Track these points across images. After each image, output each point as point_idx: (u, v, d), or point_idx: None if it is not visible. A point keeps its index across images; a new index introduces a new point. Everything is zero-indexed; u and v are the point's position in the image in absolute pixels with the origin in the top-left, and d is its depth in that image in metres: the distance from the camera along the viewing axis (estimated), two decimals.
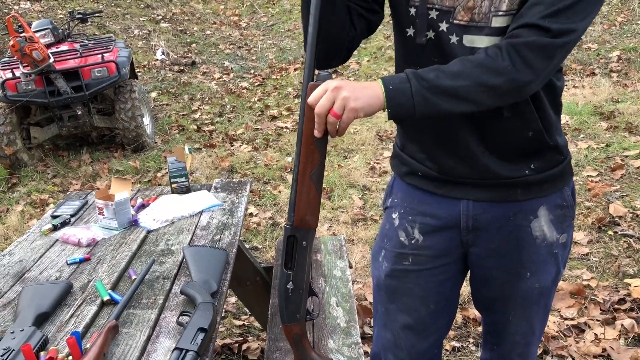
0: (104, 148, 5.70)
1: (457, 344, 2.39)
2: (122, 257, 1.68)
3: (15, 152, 5.09)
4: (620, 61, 6.00)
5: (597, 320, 2.41)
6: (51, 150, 5.63)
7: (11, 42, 4.55)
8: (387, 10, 1.26)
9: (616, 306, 2.50)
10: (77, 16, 5.90)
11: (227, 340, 2.58)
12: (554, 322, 2.40)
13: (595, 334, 2.32)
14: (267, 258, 3.28)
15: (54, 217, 2.03)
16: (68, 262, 1.66)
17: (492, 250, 1.27)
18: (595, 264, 2.84)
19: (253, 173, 4.65)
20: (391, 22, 1.27)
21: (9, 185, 4.95)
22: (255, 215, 3.85)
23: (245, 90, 7.19)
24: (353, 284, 2.34)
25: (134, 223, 1.92)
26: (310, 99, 1.05)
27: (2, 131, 5.01)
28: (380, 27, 1.36)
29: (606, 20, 6.97)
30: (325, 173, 1.19)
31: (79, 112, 5.11)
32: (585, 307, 2.51)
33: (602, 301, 2.53)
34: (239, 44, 9.22)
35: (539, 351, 2.24)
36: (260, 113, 6.35)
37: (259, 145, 5.32)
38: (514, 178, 1.20)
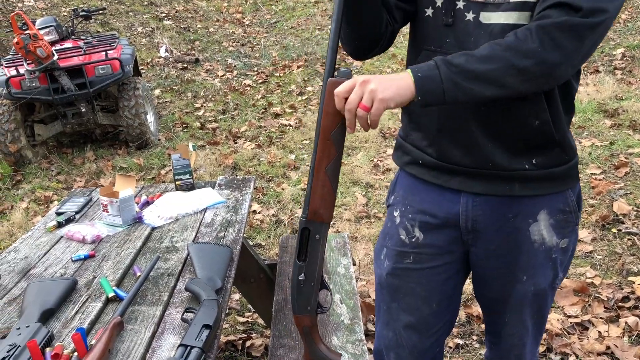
0: (108, 145, 5.71)
1: (461, 342, 2.39)
2: (126, 254, 1.68)
3: (19, 149, 5.10)
4: (625, 59, 5.98)
5: (601, 318, 2.41)
6: (55, 148, 5.64)
7: (15, 40, 4.56)
8: None
9: (620, 304, 2.50)
10: (81, 13, 5.90)
11: (231, 337, 2.59)
12: (558, 320, 2.40)
13: (599, 332, 2.32)
14: (270, 255, 3.29)
15: (58, 214, 2.04)
16: (73, 259, 1.67)
17: (491, 252, 1.27)
18: (599, 262, 2.84)
19: (256, 170, 4.65)
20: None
21: (13, 182, 4.97)
22: (259, 213, 3.86)
23: (248, 88, 7.19)
24: (356, 281, 2.35)
25: (138, 220, 1.93)
26: (338, 91, 1.05)
27: (7, 128, 5.02)
28: None
29: None
30: None
31: (83, 110, 5.12)
32: (589, 305, 2.50)
33: (606, 299, 2.53)
34: (242, 41, 9.21)
35: (543, 349, 2.24)
36: (263, 110, 6.35)
37: (262, 143, 5.32)
38: (512, 170, 1.19)
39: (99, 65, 5.05)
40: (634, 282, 2.62)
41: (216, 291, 1.40)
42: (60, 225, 1.93)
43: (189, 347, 1.15)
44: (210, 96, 7.03)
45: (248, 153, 5.05)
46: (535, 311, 1.33)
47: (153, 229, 1.87)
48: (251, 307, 2.72)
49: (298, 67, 7.64)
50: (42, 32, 5.10)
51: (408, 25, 1.33)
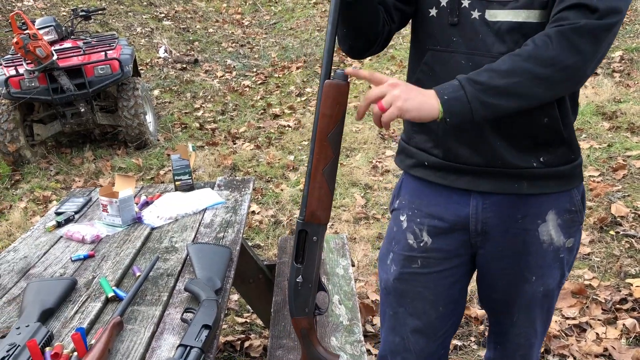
0: (107, 145, 5.71)
1: (459, 343, 2.40)
2: (126, 254, 1.68)
3: (18, 149, 5.10)
4: (623, 61, 6.00)
5: (599, 320, 2.42)
6: (54, 147, 5.64)
7: (15, 39, 4.56)
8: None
9: (618, 306, 2.50)
10: (81, 13, 5.90)
11: (230, 338, 2.59)
12: (556, 322, 2.41)
13: (597, 334, 2.33)
14: (269, 256, 3.29)
15: (57, 213, 2.04)
16: (72, 259, 1.67)
17: (500, 253, 1.27)
18: (597, 264, 2.84)
19: (255, 171, 4.66)
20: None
21: (12, 182, 4.96)
22: (258, 214, 3.86)
23: (247, 89, 7.20)
24: (355, 282, 2.35)
25: (137, 220, 1.93)
26: (373, 77, 1.09)
27: (5, 128, 5.02)
28: None
29: None
30: None
31: (82, 110, 5.12)
32: (587, 307, 2.51)
33: (603, 301, 2.53)
34: (241, 42, 9.22)
35: (541, 350, 2.25)
36: (262, 111, 6.35)
37: (261, 144, 5.33)
38: (520, 168, 1.19)
39: (99, 66, 5.06)
40: (631, 285, 2.62)
41: (215, 291, 1.40)
42: (59, 225, 1.93)
43: (188, 347, 1.16)
44: (209, 97, 7.04)
45: (247, 154, 5.05)
46: (544, 312, 1.34)
47: (152, 229, 1.88)
48: (250, 307, 2.72)
49: (297, 68, 7.64)
50: (41, 32, 5.10)
51: (408, 27, 1.33)
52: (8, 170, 5.07)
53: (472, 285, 1.47)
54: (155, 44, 8.69)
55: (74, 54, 5.15)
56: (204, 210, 2.01)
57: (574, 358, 2.22)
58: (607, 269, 2.80)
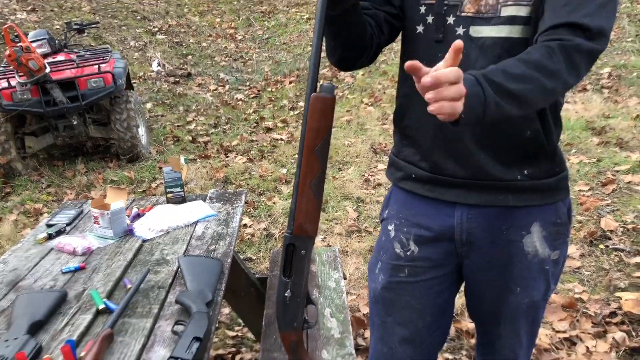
0: (99, 158, 5.70)
1: (450, 356, 2.40)
2: (117, 266, 1.68)
3: (9, 161, 5.08)
4: (611, 77, 6.07)
5: (589, 333, 2.42)
6: (46, 160, 5.62)
7: (7, 52, 4.56)
8: None
9: (607, 319, 2.51)
10: (74, 27, 5.92)
11: (221, 351, 2.58)
12: (546, 335, 2.41)
13: (587, 347, 2.33)
14: (261, 269, 3.28)
15: (49, 225, 2.04)
16: (63, 271, 1.66)
17: (485, 264, 1.29)
18: (586, 278, 2.86)
19: (248, 184, 4.66)
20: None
21: (3, 194, 4.94)
22: (250, 227, 3.86)
23: (240, 102, 7.22)
24: (347, 295, 2.35)
25: (129, 232, 1.93)
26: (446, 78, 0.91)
27: None
28: None
29: None
30: None
31: (75, 122, 5.11)
32: (577, 320, 2.52)
33: (593, 314, 2.54)
34: (234, 56, 9.26)
35: None
36: (255, 125, 6.37)
37: (253, 157, 5.34)
38: (506, 181, 1.21)
39: (92, 79, 5.06)
40: (620, 298, 2.64)
41: (207, 304, 1.40)
42: (50, 237, 1.93)
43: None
44: (202, 110, 7.05)
45: (239, 167, 5.06)
46: (529, 323, 1.34)
47: (144, 241, 1.87)
48: (241, 321, 2.71)
49: (290, 82, 7.68)
50: (34, 44, 5.11)
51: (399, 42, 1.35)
52: None
53: (464, 299, 1.48)
54: (149, 57, 8.71)
55: (67, 66, 5.15)
56: (196, 222, 2.01)
57: None
58: (597, 282, 2.82)
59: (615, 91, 5.78)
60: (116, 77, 5.17)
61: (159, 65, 8.43)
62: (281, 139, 5.74)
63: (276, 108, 6.90)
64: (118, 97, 5.32)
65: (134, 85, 7.07)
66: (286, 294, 1.18)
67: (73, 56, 5.44)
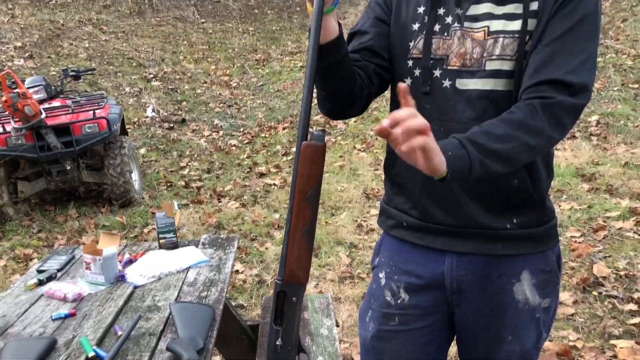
0: (91, 203, 5.68)
1: None
2: (108, 313, 1.66)
3: (1, 206, 5.06)
4: (599, 125, 6.19)
5: None
6: (37, 205, 5.60)
7: (4, 98, 4.61)
8: None
9: None
10: (71, 74, 6.00)
11: None
12: None
13: None
14: (252, 316, 3.25)
15: (40, 271, 2.02)
16: (53, 318, 1.64)
17: (476, 312, 1.29)
18: (581, 325, 2.84)
19: (240, 229, 4.65)
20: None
21: None
22: (242, 272, 3.83)
23: (234, 148, 7.27)
24: (340, 343, 2.32)
25: (121, 278, 1.92)
26: (403, 121, 0.94)
27: None
28: None
29: None
30: None
31: (68, 167, 5.12)
32: None
33: None
34: (229, 102, 9.38)
35: None
36: (248, 170, 6.40)
37: (246, 202, 5.34)
38: (496, 230, 1.22)
39: (87, 124, 5.10)
40: (615, 346, 2.62)
41: (198, 351, 1.38)
42: (41, 283, 1.91)
43: None
44: (195, 155, 7.09)
45: (232, 212, 5.06)
46: None
47: (135, 287, 1.86)
48: None
49: (284, 128, 7.77)
50: (31, 90, 5.16)
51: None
52: None
53: (456, 348, 1.46)
54: (143, 103, 8.81)
55: (63, 112, 5.20)
56: (188, 268, 2.00)
57: None
58: (591, 329, 2.80)
59: (604, 138, 5.89)
60: (111, 123, 5.21)
61: (153, 111, 8.52)
62: (274, 184, 5.76)
63: (269, 153, 6.95)
64: (112, 142, 5.35)
65: (129, 130, 7.12)
66: (277, 343, 1.16)
67: (69, 102, 5.50)
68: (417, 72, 1.25)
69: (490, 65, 1.16)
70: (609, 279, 3.23)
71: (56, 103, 5.47)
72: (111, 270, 1.89)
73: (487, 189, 1.21)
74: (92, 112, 5.20)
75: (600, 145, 5.69)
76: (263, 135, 7.70)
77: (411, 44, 1.26)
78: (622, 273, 3.27)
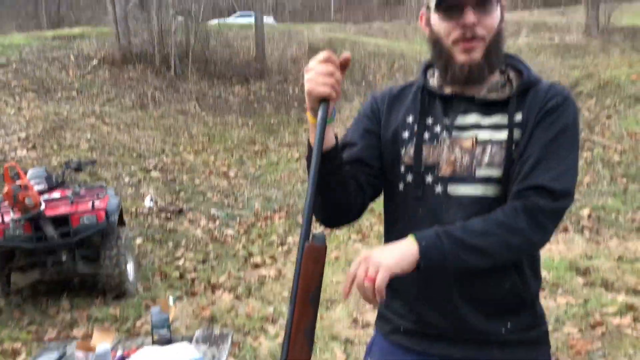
0: (85, 294, 5.62)
1: None
2: None
3: None
4: (591, 218, 6.28)
5: None
6: (29, 296, 5.53)
7: (5, 189, 4.69)
8: None
9: None
10: (72, 166, 6.14)
11: None
12: None
13: None
14: None
15: None
16: None
17: None
18: None
19: (234, 323, 4.58)
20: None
21: None
22: None
23: (230, 238, 7.29)
24: None
25: None
26: (349, 274, 1.14)
27: None
28: None
29: None
30: None
31: (64, 258, 5.11)
32: None
33: None
34: (226, 192, 9.50)
35: None
36: (243, 261, 6.39)
37: (240, 294, 5.30)
38: (489, 334, 1.25)
39: (85, 215, 5.15)
40: None
41: None
42: None
43: None
44: (191, 246, 7.10)
45: (226, 304, 5.00)
46: None
47: None
48: None
49: (279, 218, 7.84)
50: (32, 182, 5.26)
51: None
52: None
53: None
54: (142, 193, 8.92)
55: (62, 203, 5.26)
56: None
57: None
58: None
59: (596, 232, 5.96)
60: (109, 214, 5.27)
61: (151, 200, 8.61)
62: (269, 276, 5.74)
63: (265, 244, 6.97)
64: (109, 233, 5.38)
65: (126, 220, 7.17)
66: None
67: (68, 193, 5.58)
68: (409, 177, 1.32)
69: (480, 173, 1.24)
70: None
71: (56, 194, 5.55)
72: None
73: (481, 293, 1.25)
74: (91, 203, 5.27)
75: (592, 239, 5.75)
76: (259, 224, 7.75)
77: (402, 151, 1.34)
78: None
